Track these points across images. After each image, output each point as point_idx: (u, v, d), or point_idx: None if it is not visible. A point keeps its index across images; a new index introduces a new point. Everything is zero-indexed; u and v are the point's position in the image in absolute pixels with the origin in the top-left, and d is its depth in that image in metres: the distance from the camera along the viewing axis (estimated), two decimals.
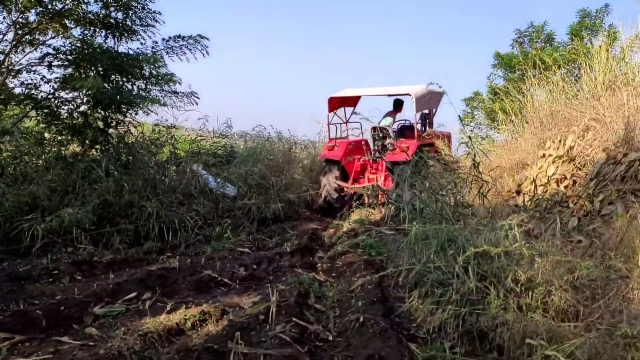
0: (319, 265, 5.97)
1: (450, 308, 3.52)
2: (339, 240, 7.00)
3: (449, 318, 3.43)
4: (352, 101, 10.69)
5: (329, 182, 9.42)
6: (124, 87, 8.13)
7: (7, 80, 8.15)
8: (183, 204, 7.62)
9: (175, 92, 8.52)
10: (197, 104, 8.87)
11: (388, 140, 9.70)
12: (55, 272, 5.12)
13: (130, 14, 8.25)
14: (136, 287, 4.80)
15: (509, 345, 3.17)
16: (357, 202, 8.73)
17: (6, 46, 8.03)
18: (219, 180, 8.41)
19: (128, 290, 4.73)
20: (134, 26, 8.34)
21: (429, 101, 9.92)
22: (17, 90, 7.88)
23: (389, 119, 10.26)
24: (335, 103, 10.21)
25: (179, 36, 8.39)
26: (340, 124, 10.47)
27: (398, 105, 10.43)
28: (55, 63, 7.82)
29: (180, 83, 8.54)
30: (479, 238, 3.85)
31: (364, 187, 9.00)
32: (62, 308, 3.99)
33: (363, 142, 10.34)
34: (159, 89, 8.40)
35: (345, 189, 9.41)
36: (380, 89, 10.21)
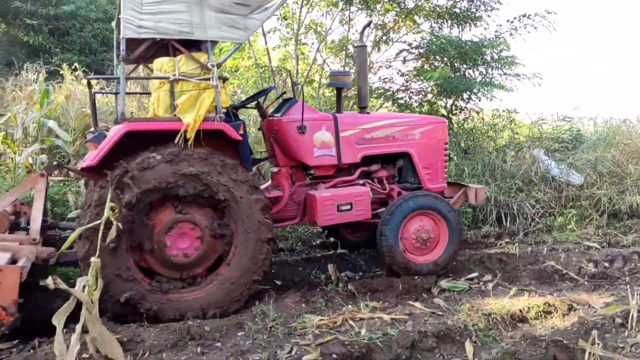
0: None
1: None
2: None
3: None
4: None
5: None
6: (466, 74, 8.39)
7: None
8: (522, 190, 7.42)
9: (517, 75, 8.29)
10: (540, 85, 8.43)
11: None
12: None
13: (474, 1, 8.43)
14: (477, 268, 4.99)
15: None
16: None
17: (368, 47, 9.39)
18: (562, 166, 7.80)
19: (469, 269, 4.96)
20: (478, 12, 8.49)
21: None
22: (376, 85, 9.10)
23: None
24: None
25: (525, 15, 8.10)
26: None
27: None
28: (408, 57, 8.70)
29: (524, 65, 8.27)
30: None
31: None
32: (415, 278, 4.48)
33: None
34: (501, 72, 8.32)
35: None
36: None
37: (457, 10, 8.51)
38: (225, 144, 3.95)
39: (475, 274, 4.76)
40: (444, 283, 4.43)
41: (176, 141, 3.66)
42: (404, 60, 8.76)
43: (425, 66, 8.55)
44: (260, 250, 3.87)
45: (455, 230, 4.75)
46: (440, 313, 3.78)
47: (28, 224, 4.00)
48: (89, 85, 4.46)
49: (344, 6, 8.66)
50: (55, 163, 4.40)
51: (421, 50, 8.46)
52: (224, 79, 4.17)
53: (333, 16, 9.08)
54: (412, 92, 8.73)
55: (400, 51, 8.79)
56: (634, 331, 3.28)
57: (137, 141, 3.68)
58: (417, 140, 5.07)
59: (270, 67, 9.00)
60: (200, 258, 3.85)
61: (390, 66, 9.14)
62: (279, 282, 4.57)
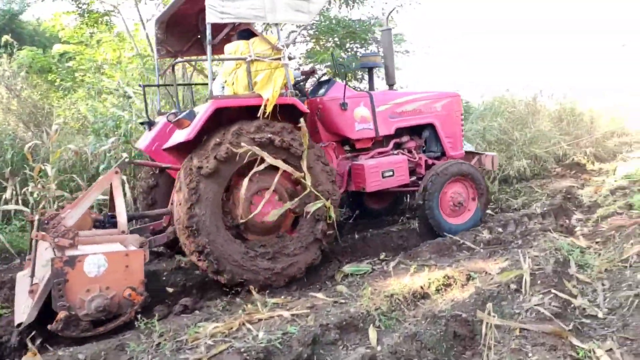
0: (577, 228, 5.19)
1: None
2: (603, 200, 5.98)
3: None
4: None
5: None
6: (357, 54, 8.36)
7: None
8: None
9: (406, 51, 8.40)
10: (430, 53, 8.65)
11: None
12: None
13: None
14: (379, 247, 4.95)
15: None
16: None
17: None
18: None
19: (373, 250, 4.91)
20: None
21: None
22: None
23: None
24: None
25: None
26: None
27: None
28: (298, 39, 8.48)
29: (411, 43, 8.40)
30: None
31: None
32: (319, 267, 4.32)
33: None
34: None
35: None
36: None
37: None
38: (293, 117, 4.34)
39: (382, 256, 4.70)
40: (346, 268, 4.32)
41: (259, 114, 4.02)
42: (294, 43, 8.54)
43: (317, 47, 8.39)
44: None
45: (485, 194, 5.42)
46: (343, 301, 3.64)
47: (107, 221, 4.19)
48: (173, 70, 4.72)
49: None
50: (127, 160, 4.63)
51: (311, 32, 8.27)
52: (291, 58, 4.64)
53: None
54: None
55: (289, 33, 8.55)
56: (527, 295, 3.34)
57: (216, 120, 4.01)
58: (439, 112, 5.66)
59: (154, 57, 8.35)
60: None
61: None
62: (170, 290, 4.18)
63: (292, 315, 3.35)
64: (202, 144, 3.98)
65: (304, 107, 4.31)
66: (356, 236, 5.27)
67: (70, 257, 3.25)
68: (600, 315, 3.19)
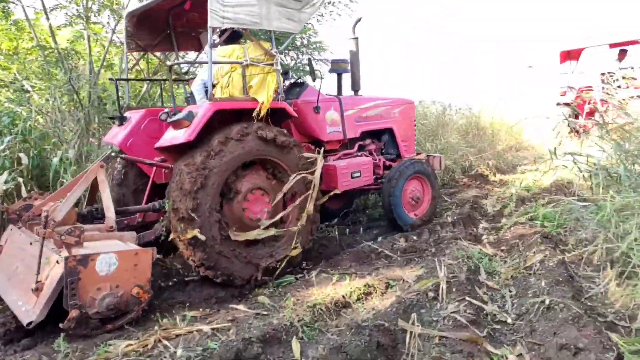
0: (484, 237, 5.50)
1: None
2: (505, 210, 6.40)
3: None
4: (577, 55, 11.89)
5: None
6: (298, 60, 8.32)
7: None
8: None
9: (326, 60, 8.49)
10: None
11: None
12: None
13: None
14: (301, 256, 4.90)
15: None
16: None
17: None
18: None
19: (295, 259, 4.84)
20: None
21: None
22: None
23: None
24: (565, 56, 11.89)
25: (329, 2, 8.29)
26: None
27: (621, 52, 11.31)
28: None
29: (332, 52, 8.51)
30: None
31: None
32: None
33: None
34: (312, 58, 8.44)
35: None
36: (603, 41, 11.11)
37: None
38: (281, 120, 4.67)
39: (303, 264, 4.67)
40: (268, 279, 4.22)
41: (254, 116, 4.27)
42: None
43: None
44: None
45: (436, 192, 6.11)
46: (265, 312, 3.55)
47: (93, 215, 4.27)
48: (170, 70, 4.71)
49: None
50: (112, 153, 4.49)
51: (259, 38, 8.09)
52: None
53: None
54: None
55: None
56: (444, 303, 3.46)
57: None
58: (397, 118, 6.18)
59: (57, 49, 7.73)
60: None
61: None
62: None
63: (213, 329, 3.21)
64: (203, 143, 4.08)
65: (292, 112, 4.64)
66: None
67: (84, 255, 3.25)
68: (509, 320, 3.38)
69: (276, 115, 4.53)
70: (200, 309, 3.71)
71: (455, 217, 6.02)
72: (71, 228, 3.40)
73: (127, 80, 5.39)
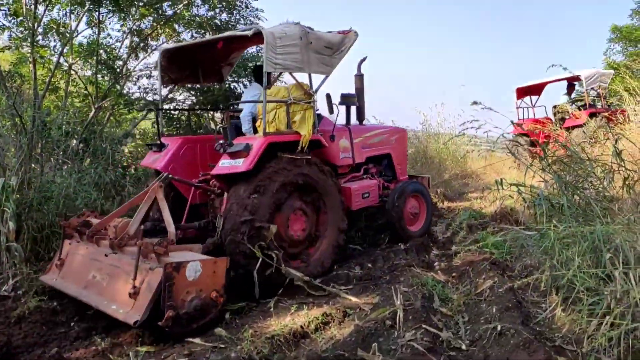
0: (435, 264, 5.64)
1: (608, 320, 3.08)
2: (454, 237, 6.61)
3: (612, 332, 2.99)
4: (538, 89, 12.93)
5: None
6: (230, 87, 8.32)
7: (125, 86, 8.71)
8: None
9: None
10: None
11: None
12: None
13: (234, 14, 8.43)
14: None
15: None
16: None
17: (123, 53, 8.55)
18: None
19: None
20: (238, 25, 8.51)
21: (597, 81, 11.52)
22: (136, 95, 8.36)
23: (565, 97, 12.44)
24: (522, 92, 12.79)
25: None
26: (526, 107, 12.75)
27: (569, 87, 12.49)
28: None
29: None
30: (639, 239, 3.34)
31: None
32: None
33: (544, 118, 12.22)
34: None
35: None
36: (552, 76, 11.79)
37: (218, 22, 8.40)
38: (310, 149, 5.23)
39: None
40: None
41: (298, 148, 5.00)
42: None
43: None
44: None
45: (430, 208, 6.87)
46: (223, 345, 3.47)
47: (152, 229, 4.85)
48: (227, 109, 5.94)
49: (91, 6, 7.67)
50: (169, 175, 4.79)
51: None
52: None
53: (79, 17, 7.99)
54: (179, 104, 8.26)
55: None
56: (402, 331, 3.51)
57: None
58: (394, 145, 6.96)
59: (0, 72, 7.40)
60: None
61: (151, 75, 8.49)
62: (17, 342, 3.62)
63: None
64: (259, 170, 4.65)
65: (325, 143, 5.42)
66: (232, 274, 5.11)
67: (178, 263, 3.66)
68: (463, 347, 3.46)
69: (313, 146, 5.19)
70: (154, 345, 3.58)
71: (407, 244, 6.15)
72: (160, 240, 3.86)
73: (161, 109, 6.09)
